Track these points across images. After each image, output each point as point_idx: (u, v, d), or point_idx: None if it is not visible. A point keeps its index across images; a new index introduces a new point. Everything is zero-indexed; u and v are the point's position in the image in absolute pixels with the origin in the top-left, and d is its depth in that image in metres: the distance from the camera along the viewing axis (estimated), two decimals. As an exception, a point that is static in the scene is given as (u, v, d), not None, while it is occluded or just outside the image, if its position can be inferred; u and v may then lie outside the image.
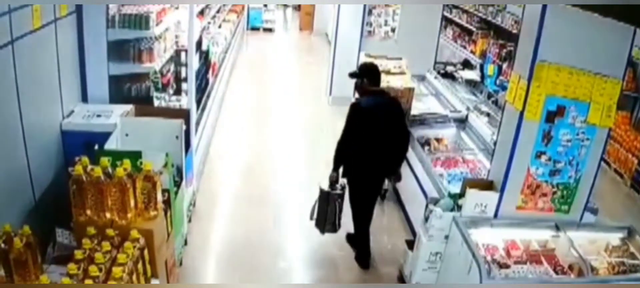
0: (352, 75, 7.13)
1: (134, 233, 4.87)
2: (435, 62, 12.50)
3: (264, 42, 21.53)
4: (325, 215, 7.19)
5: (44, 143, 5.99)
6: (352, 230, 7.56)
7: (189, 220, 7.64)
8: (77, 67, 6.91)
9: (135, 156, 5.44)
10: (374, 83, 6.94)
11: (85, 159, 5.03)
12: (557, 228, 6.00)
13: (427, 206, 6.45)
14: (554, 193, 5.96)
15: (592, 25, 5.16)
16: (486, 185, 6.12)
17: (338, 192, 7.09)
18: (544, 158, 5.75)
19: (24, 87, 5.37)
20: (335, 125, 12.43)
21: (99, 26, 6.91)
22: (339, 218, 7.26)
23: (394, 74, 9.15)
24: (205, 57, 10.58)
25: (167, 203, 5.65)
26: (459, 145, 8.71)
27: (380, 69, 8.99)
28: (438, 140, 8.67)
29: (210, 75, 11.13)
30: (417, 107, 9.32)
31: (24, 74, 5.37)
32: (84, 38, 6.87)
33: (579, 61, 5.40)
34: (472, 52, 15.62)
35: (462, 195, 6.18)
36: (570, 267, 5.70)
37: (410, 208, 8.39)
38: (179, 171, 6.67)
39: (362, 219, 7.36)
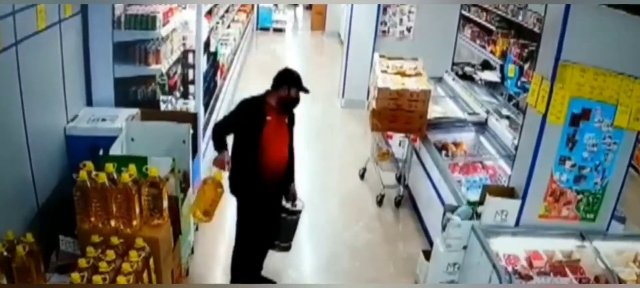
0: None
1: (139, 242, 4.88)
2: (453, 63, 12.50)
3: (274, 42, 21.55)
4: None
5: (47, 148, 6.02)
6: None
7: (196, 229, 7.63)
8: (82, 70, 6.94)
9: (141, 161, 5.44)
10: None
11: (89, 165, 5.05)
12: (582, 237, 5.95)
13: (444, 214, 6.43)
14: (579, 200, 5.92)
15: (619, 23, 5.14)
16: (507, 192, 6.09)
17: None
18: (568, 164, 5.71)
19: (27, 90, 5.40)
20: (347, 129, 12.53)
21: (105, 27, 6.94)
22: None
23: (409, 75, 9.12)
24: (213, 58, 10.59)
25: (174, 210, 5.66)
26: (478, 150, 8.68)
27: (395, 70, 9.00)
28: (456, 144, 8.64)
29: (218, 77, 11.14)
30: (434, 110, 9.30)
31: (28, 76, 5.39)
32: (89, 40, 6.91)
33: (605, 61, 5.35)
34: (491, 52, 15.57)
35: (481, 202, 6.15)
36: (597, 279, 5.65)
37: (426, 215, 8.37)
38: (186, 177, 6.66)
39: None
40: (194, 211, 6.09)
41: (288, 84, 6.36)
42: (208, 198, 6.19)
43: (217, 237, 7.91)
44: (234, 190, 6.51)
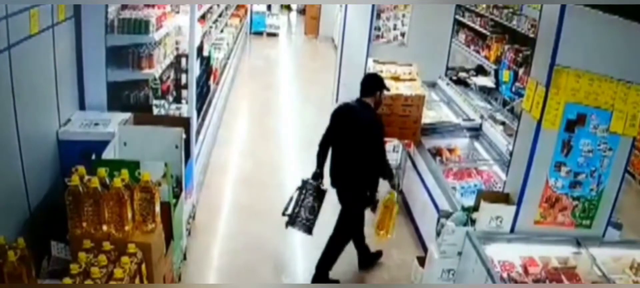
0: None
1: (132, 248, 4.88)
2: (447, 68, 12.48)
3: (268, 47, 21.56)
4: (298, 206, 7.25)
5: (39, 152, 6.01)
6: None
7: (188, 234, 7.63)
8: (75, 74, 6.93)
9: (133, 166, 5.45)
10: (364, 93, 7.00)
11: (82, 169, 5.04)
12: (578, 244, 5.96)
13: (438, 220, 6.41)
14: (575, 207, 5.92)
15: (614, 28, 5.16)
16: (502, 198, 6.10)
17: (313, 182, 7.16)
18: (563, 169, 5.72)
19: (20, 94, 5.39)
20: (342, 135, 12.49)
21: (98, 31, 6.94)
22: (311, 220, 7.23)
23: (403, 80, 9.13)
24: (206, 63, 10.59)
25: (166, 216, 5.66)
26: (473, 156, 8.70)
27: (389, 75, 9.01)
28: (450, 150, 8.66)
29: (211, 82, 11.15)
30: (428, 116, 9.30)
31: (21, 80, 5.39)
32: (82, 44, 6.91)
33: (601, 66, 5.37)
34: (486, 57, 15.60)
35: (476, 208, 6.14)
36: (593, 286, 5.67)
37: (420, 222, 8.37)
38: (179, 182, 6.67)
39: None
40: (382, 230, 7.43)
41: (381, 88, 7.00)
42: (393, 217, 7.42)
43: (209, 243, 7.91)
44: (358, 197, 7.09)
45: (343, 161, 6.97)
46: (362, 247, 7.60)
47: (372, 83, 6.99)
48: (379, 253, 7.79)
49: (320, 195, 7.18)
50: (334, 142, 7.02)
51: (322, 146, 7.12)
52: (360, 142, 6.79)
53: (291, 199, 7.24)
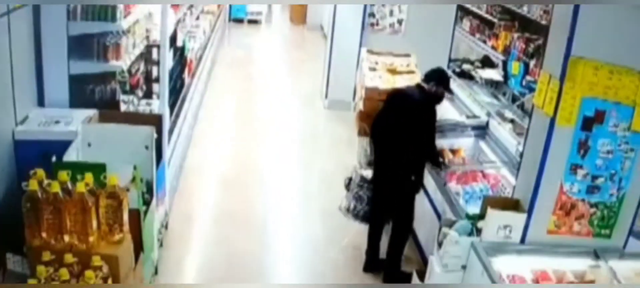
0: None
1: (97, 260, 4.85)
2: (450, 60, 12.49)
3: (249, 36, 21.57)
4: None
5: (-8, 154, 5.96)
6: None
7: (161, 245, 7.61)
8: (33, 66, 6.86)
9: (98, 169, 5.41)
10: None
11: (41, 173, 5.00)
12: (596, 256, 5.95)
13: (440, 229, 6.40)
14: (593, 214, 5.91)
15: (637, 13, 5.14)
16: (511, 204, 6.09)
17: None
18: (580, 172, 5.71)
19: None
20: (332, 133, 12.54)
21: (59, 19, 6.86)
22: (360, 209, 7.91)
23: (401, 73, 9.15)
24: (180, 54, 10.55)
25: (135, 224, 5.63)
26: (478, 157, 8.70)
27: (385, 67, 9.03)
28: (453, 151, 8.65)
29: (186, 75, 11.11)
30: (429, 113, 9.31)
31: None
32: (41, 32, 6.83)
33: (621, 57, 5.34)
34: (493, 47, 15.57)
35: (482, 216, 6.13)
36: (612, 302, 5.67)
37: (420, 231, 8.34)
38: (149, 187, 6.64)
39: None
40: None
41: (442, 84, 7.43)
42: None
43: (184, 255, 7.88)
44: (404, 183, 7.46)
45: (390, 144, 7.40)
46: (374, 246, 7.81)
47: (435, 74, 7.47)
48: (405, 275, 7.79)
49: (364, 183, 7.86)
50: (384, 127, 7.44)
51: (373, 131, 7.71)
52: (408, 123, 7.17)
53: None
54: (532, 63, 13.16)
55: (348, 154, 10.63)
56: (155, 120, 7.20)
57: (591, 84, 5.36)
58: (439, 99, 7.42)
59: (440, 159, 7.96)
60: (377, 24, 12.69)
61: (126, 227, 5.25)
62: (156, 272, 7.13)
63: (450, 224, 6.38)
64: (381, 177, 7.58)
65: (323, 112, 13.74)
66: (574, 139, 5.57)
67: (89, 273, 4.69)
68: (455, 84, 10.45)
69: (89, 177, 5.10)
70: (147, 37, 8.72)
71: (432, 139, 7.39)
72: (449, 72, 10.96)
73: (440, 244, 6.28)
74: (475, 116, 9.28)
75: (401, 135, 7.21)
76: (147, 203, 6.31)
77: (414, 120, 7.18)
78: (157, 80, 8.50)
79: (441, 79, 7.43)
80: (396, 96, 7.58)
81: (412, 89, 7.56)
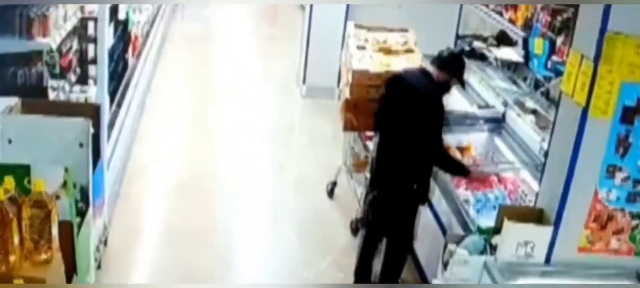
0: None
1: (19, 285, 4.82)
2: (457, 36, 12.50)
3: (208, 7, 21.53)
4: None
5: None
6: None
7: (98, 266, 7.58)
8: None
9: (21, 172, 5.38)
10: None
11: (-52, 176, 4.98)
12: (638, 279, 5.98)
13: (445, 246, 6.41)
14: (635, 227, 5.90)
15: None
16: (533, 215, 6.08)
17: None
18: (618, 176, 5.69)
19: None
20: (311, 127, 12.56)
21: (-30, -15, 6.87)
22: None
23: (396, 52, 9.15)
24: (123, 28, 10.53)
25: (67, 240, 5.60)
26: (493, 157, 8.72)
27: (377, 45, 9.03)
28: (462, 149, 8.65)
29: (130, 55, 11.10)
30: (432, 102, 9.34)
31: None
32: (-53, 2, 6.83)
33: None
34: (511, 20, 15.54)
35: (497, 230, 6.13)
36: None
37: (420, 248, 8.33)
38: (85, 194, 6.61)
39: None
40: None
41: (455, 72, 7.50)
42: None
43: (125, 279, 7.86)
44: (404, 192, 7.43)
45: (387, 143, 7.49)
46: (365, 264, 7.91)
47: (451, 62, 7.58)
48: None
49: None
50: (389, 117, 7.50)
51: (377, 122, 7.78)
52: (408, 115, 7.19)
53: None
54: (559, 40, 13.14)
55: (331, 153, 10.66)
56: (91, 111, 7.17)
57: (633, 66, 5.35)
58: (447, 89, 7.45)
59: (456, 161, 7.84)
60: (368, -8, 12.70)
61: (55, 244, 5.22)
62: (93, 299, 7.13)
63: (458, 240, 6.39)
64: (381, 179, 7.60)
65: (300, 102, 13.77)
66: (611, 134, 5.55)
67: (9, 301, 4.67)
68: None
69: (9, 181, 5.07)
70: (82, 8, 8.68)
71: (436, 135, 7.24)
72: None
73: (445, 265, 6.29)
74: (488, 106, 9.31)
75: (403, 131, 7.23)
76: (81, 214, 6.28)
77: (418, 116, 7.14)
78: (93, 61, 8.48)
79: (457, 68, 7.47)
80: (396, 82, 7.60)
81: (416, 74, 7.56)
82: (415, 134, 7.12)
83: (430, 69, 7.43)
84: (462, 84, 7.71)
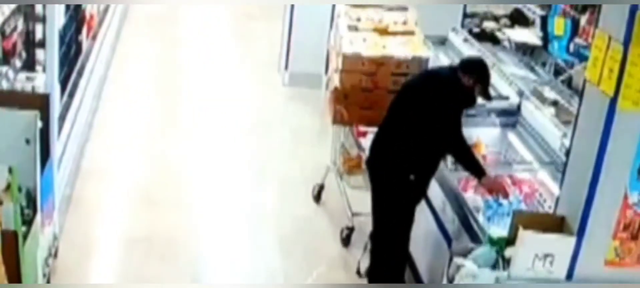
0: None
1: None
2: (465, 15, 12.52)
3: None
4: None
5: None
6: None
7: (48, 281, 7.57)
8: None
9: (-43, 173, 5.39)
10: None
11: None
12: (672, 297, 6.00)
13: (451, 259, 6.43)
14: (669, 237, 5.94)
15: None
16: (553, 223, 6.09)
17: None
18: (651, 178, 5.74)
19: None
20: (294, 120, 12.55)
21: None
22: None
23: (394, 34, 9.15)
24: (75, 7, 10.49)
25: (11, 252, 5.59)
26: (506, 156, 8.74)
27: (371, 26, 9.04)
28: (470, 146, 8.67)
29: (84, 37, 11.07)
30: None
31: None
32: None
33: None
34: (527, -4, 15.70)
35: (511, 240, 6.15)
36: None
37: (421, 260, 8.36)
38: (31, 198, 6.61)
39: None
40: None
41: (478, 78, 7.47)
42: None
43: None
44: (398, 183, 7.52)
45: (391, 124, 7.66)
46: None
47: (476, 67, 7.60)
48: None
49: None
50: (397, 103, 7.75)
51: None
52: (426, 97, 7.38)
53: None
54: (583, 19, 13.19)
55: (317, 150, 10.68)
56: (39, 102, 7.16)
57: (668, 50, 5.38)
58: (471, 99, 7.53)
59: (474, 156, 7.83)
60: (360, -35, 12.70)
61: (-2, 257, 5.24)
62: (41, 321, 7.12)
63: (466, 252, 6.40)
64: (373, 163, 7.72)
65: (281, 91, 13.77)
66: (643, 128, 5.59)
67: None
68: (472, 49, 10.48)
69: (-57, 183, 5.08)
70: (28, -18, 8.69)
71: (458, 124, 7.40)
72: (464, 34, 11.03)
73: (451, 280, 6.30)
74: (501, 96, 9.29)
75: (417, 112, 7.35)
76: (28, 221, 6.28)
77: (435, 100, 7.28)
78: (42, 44, 8.47)
79: (482, 74, 7.50)
80: (414, 78, 7.93)
81: (445, 68, 7.83)
82: (426, 118, 7.27)
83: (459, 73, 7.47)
84: (488, 95, 7.74)
